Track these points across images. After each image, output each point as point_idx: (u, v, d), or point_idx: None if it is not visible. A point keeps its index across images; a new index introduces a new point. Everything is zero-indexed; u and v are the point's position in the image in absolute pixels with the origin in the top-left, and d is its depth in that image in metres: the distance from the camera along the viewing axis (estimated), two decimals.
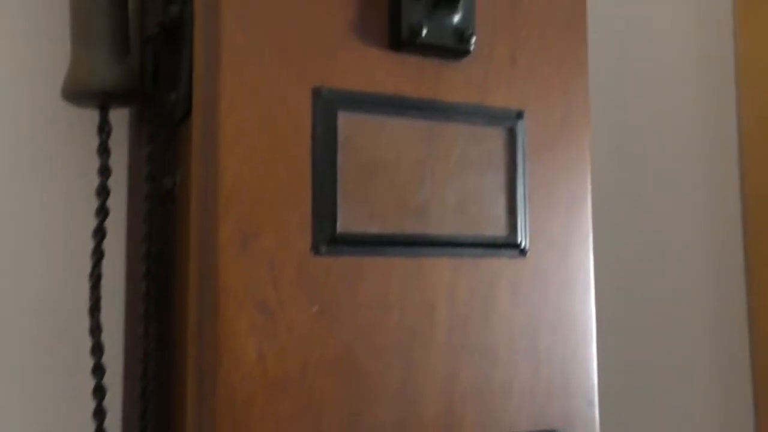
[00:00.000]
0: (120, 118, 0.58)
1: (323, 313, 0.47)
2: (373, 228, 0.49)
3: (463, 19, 0.53)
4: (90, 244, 0.52)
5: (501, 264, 0.54)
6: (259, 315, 0.46)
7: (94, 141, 0.54)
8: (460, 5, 0.53)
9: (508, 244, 0.54)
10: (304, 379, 0.46)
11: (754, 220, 0.93)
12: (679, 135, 0.91)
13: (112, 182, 0.53)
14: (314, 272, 0.47)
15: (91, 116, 0.56)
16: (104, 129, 0.53)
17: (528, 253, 0.55)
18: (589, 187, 0.59)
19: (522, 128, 0.56)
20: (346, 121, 0.50)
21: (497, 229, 0.54)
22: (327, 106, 0.49)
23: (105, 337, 0.51)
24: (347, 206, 0.49)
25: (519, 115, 0.56)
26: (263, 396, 0.45)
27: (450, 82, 0.54)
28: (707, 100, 0.94)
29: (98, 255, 0.51)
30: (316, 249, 0.48)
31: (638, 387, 0.85)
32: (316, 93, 0.49)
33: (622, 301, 0.85)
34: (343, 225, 0.48)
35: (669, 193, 0.90)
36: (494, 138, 0.55)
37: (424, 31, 0.51)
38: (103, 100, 0.53)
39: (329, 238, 0.48)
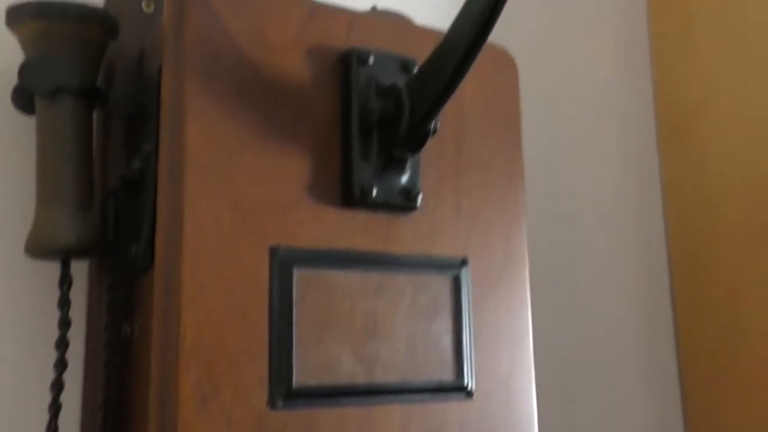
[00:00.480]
0: (79, 267, 0.60)
1: None
2: (327, 380, 0.52)
3: (410, 179, 0.57)
4: (48, 397, 0.53)
5: (449, 407, 0.56)
6: None
7: (52, 293, 0.56)
8: (408, 165, 0.57)
9: (456, 388, 0.57)
10: None
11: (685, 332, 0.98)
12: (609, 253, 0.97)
13: (71, 334, 0.55)
14: (271, 427, 0.49)
15: (49, 268, 0.58)
16: (65, 281, 0.55)
17: (474, 395, 0.58)
18: (530, 321, 0.63)
19: (466, 274, 0.60)
20: (301, 277, 0.53)
21: (445, 373, 0.57)
22: (283, 263, 0.52)
23: None
24: (303, 360, 0.51)
25: (463, 262, 0.60)
26: None
27: (398, 235, 0.57)
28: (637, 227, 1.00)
29: (55, 408, 0.52)
30: (272, 404, 0.50)
31: None
32: (273, 252, 0.52)
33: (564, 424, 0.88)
34: (298, 379, 0.51)
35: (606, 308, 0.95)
36: (440, 285, 0.59)
37: (374, 191, 0.55)
38: (65, 255, 0.55)
39: (285, 393, 0.50)
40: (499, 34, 0.68)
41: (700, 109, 0.98)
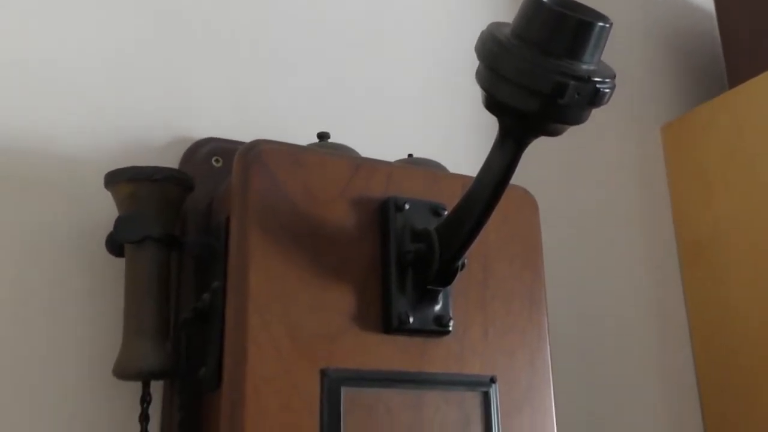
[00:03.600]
0: (154, 386, 0.69)
1: None
2: None
3: (442, 308, 0.66)
4: None
5: None
6: None
7: (134, 407, 0.66)
8: (440, 296, 0.66)
9: None
10: None
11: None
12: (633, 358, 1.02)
13: None
14: None
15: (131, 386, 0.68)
16: (145, 400, 0.64)
17: None
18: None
19: (495, 391, 0.67)
20: (347, 396, 0.60)
21: None
22: (332, 384, 0.60)
23: None
24: None
25: (492, 380, 0.67)
26: None
27: (433, 356, 0.65)
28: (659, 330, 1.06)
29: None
30: None
31: None
32: (324, 373, 0.60)
33: None
34: None
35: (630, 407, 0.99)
36: (471, 401, 0.66)
37: (411, 320, 0.64)
38: (146, 378, 0.65)
39: None
40: (522, 174, 0.78)
41: (716, 237, 1.06)
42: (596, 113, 1.11)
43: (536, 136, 0.55)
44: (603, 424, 0.97)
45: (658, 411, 1.01)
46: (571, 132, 1.09)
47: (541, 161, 1.03)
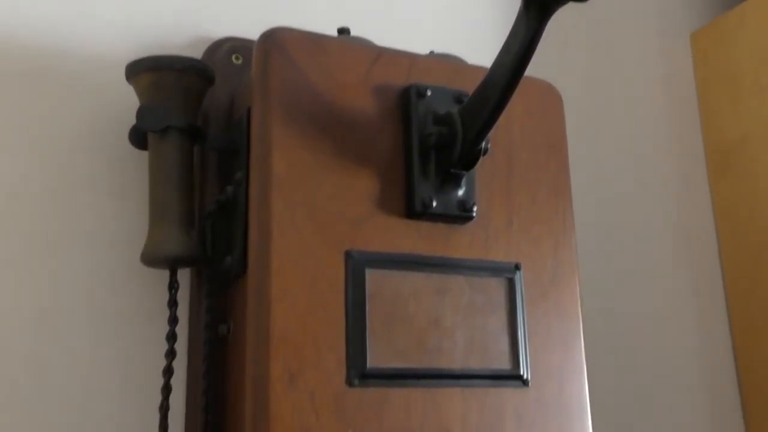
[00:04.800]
0: (182, 275, 0.70)
1: None
2: (397, 364, 0.60)
3: (465, 193, 0.65)
4: (160, 381, 0.62)
5: (506, 394, 0.63)
6: None
7: (162, 293, 0.67)
8: (463, 181, 0.65)
9: (512, 376, 0.64)
10: None
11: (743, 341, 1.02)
12: (659, 265, 1.02)
13: (177, 329, 0.65)
14: (348, 401, 0.57)
15: (160, 275, 0.69)
16: (173, 286, 0.65)
17: (530, 384, 0.64)
18: (581, 328, 0.69)
19: (520, 278, 0.67)
20: (372, 277, 0.61)
21: (502, 363, 0.64)
22: (357, 265, 0.61)
23: None
24: (375, 347, 0.59)
25: (517, 266, 0.67)
26: None
27: (457, 242, 0.65)
28: (687, 240, 1.05)
29: (167, 390, 0.62)
30: (349, 382, 0.58)
31: None
32: (348, 255, 0.61)
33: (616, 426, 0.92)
34: (372, 362, 0.59)
35: (658, 317, 0.99)
36: (496, 287, 0.66)
37: (434, 204, 0.63)
38: (173, 264, 0.65)
39: (360, 374, 0.58)
40: (551, 73, 0.77)
41: (746, 145, 1.04)
42: (625, 21, 1.10)
43: (562, 1, 0.54)
44: (623, 318, 0.97)
45: (681, 309, 1.01)
46: (600, 38, 1.09)
47: (568, 64, 1.01)
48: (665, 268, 1.02)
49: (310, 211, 0.60)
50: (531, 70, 0.73)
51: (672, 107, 1.10)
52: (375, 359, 0.59)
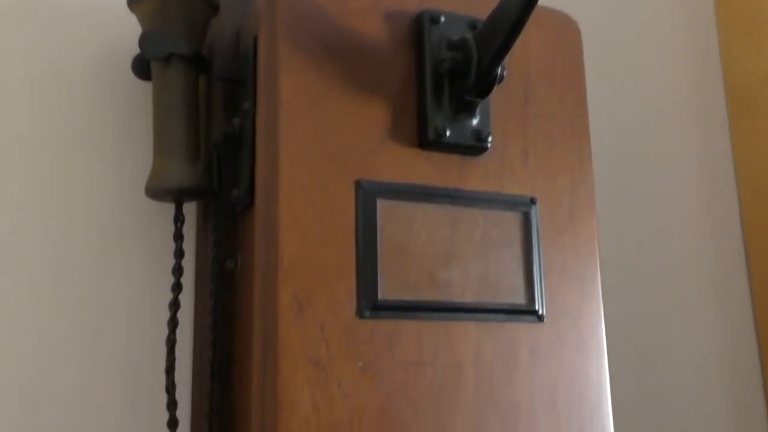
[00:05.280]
0: (188, 211, 0.68)
1: (367, 369, 0.55)
2: (408, 296, 0.58)
3: (480, 122, 0.63)
4: (166, 315, 0.61)
5: (521, 329, 0.61)
6: (313, 369, 0.53)
7: (167, 228, 0.65)
8: (478, 110, 0.63)
9: (527, 311, 0.62)
10: (351, 428, 0.54)
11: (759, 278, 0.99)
12: (680, 209, 1.00)
13: (184, 263, 0.63)
14: (359, 333, 0.55)
15: (166, 208, 0.67)
16: (179, 219, 0.64)
17: (545, 321, 0.62)
18: (598, 266, 0.67)
19: (535, 213, 0.65)
20: (383, 207, 0.59)
21: (516, 298, 0.62)
22: (367, 195, 0.58)
23: (178, 395, 0.59)
24: (386, 278, 0.57)
25: (532, 200, 0.65)
26: None
27: (470, 174, 0.63)
28: (706, 175, 1.02)
29: (173, 324, 0.60)
30: (360, 313, 0.56)
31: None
32: (358, 184, 0.59)
33: (633, 362, 0.90)
34: (383, 293, 0.57)
35: (674, 260, 0.97)
36: (511, 221, 0.64)
37: (448, 133, 0.61)
38: (178, 196, 0.63)
39: (371, 305, 0.56)
40: (570, 8, 0.74)
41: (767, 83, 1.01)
42: None
43: None
44: (642, 254, 0.95)
45: (698, 250, 0.99)
46: None
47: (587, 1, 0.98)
48: (683, 210, 0.99)
49: (319, 139, 0.58)
50: (550, 2, 0.71)
51: (692, 47, 1.07)
52: (386, 291, 0.57)
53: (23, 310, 0.63)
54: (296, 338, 0.53)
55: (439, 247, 0.60)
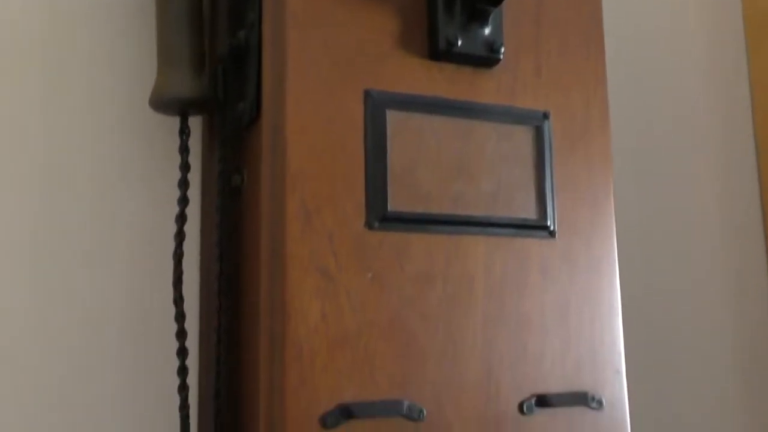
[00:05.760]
0: (194, 127, 0.67)
1: (376, 281, 0.54)
2: (418, 208, 0.57)
3: (492, 32, 0.61)
4: (173, 229, 0.60)
5: (532, 244, 0.60)
6: (321, 280, 0.53)
7: (172, 143, 0.63)
8: (490, 20, 0.61)
9: (539, 226, 0.61)
10: (360, 338, 0.53)
11: None
12: (695, 134, 0.98)
13: (189, 177, 0.62)
14: (368, 245, 0.55)
15: (171, 124, 0.65)
16: (184, 132, 0.62)
17: (556, 236, 0.61)
18: (612, 184, 0.66)
19: (548, 128, 0.63)
20: (393, 118, 0.57)
21: (528, 213, 0.61)
22: (376, 105, 0.57)
23: (186, 308, 0.59)
24: (396, 190, 0.56)
25: (545, 115, 0.63)
26: (326, 350, 0.52)
27: (482, 86, 0.61)
28: (721, 100, 1.00)
29: (180, 237, 0.59)
30: (369, 225, 0.55)
31: (662, 358, 0.90)
32: (367, 94, 0.57)
33: (644, 282, 0.90)
34: (392, 205, 0.56)
35: (687, 188, 0.96)
36: (523, 135, 0.62)
37: (459, 43, 0.59)
38: (182, 108, 0.62)
39: (381, 216, 0.55)
40: None
41: None
42: None
43: None
44: (653, 187, 0.94)
45: (711, 181, 0.98)
46: None
47: None
48: (698, 141, 0.97)
49: (327, 48, 0.57)
50: None
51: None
52: (395, 203, 0.56)
53: (27, 222, 0.62)
54: (304, 248, 0.53)
55: (450, 161, 0.59)
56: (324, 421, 0.51)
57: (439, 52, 0.59)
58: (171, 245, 0.60)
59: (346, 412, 0.52)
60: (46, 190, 0.63)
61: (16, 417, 0.59)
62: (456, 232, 0.58)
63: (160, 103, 0.61)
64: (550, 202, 0.62)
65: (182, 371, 0.57)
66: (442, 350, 0.56)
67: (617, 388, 0.62)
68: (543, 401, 0.58)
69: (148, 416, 0.63)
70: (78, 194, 0.64)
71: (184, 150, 0.61)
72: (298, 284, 0.52)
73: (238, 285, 0.61)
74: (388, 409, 0.53)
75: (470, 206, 0.59)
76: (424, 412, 0.54)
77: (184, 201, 0.60)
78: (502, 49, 0.61)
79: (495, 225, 0.59)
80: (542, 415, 0.58)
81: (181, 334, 0.57)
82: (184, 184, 0.60)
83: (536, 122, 0.63)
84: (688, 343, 0.92)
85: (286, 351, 0.51)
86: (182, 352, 0.57)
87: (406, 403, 0.53)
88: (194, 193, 0.65)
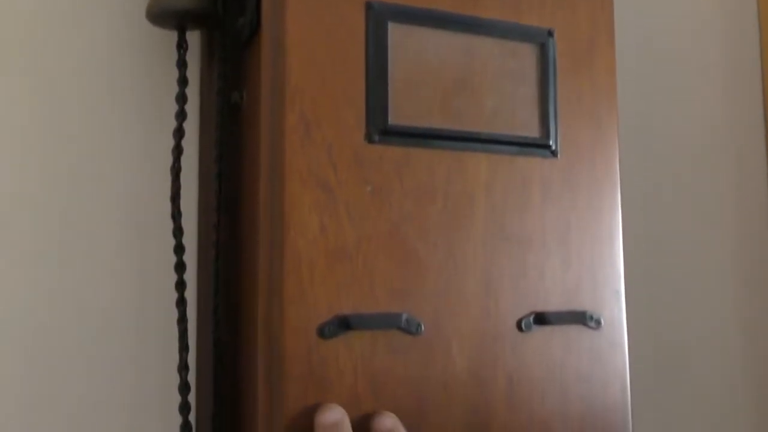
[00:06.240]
0: (192, 42, 0.65)
1: (376, 195, 0.54)
2: (420, 123, 0.56)
3: None
4: (171, 142, 0.59)
5: (534, 163, 0.60)
6: (321, 193, 0.52)
7: (170, 60, 0.62)
8: None
9: (541, 145, 0.60)
10: (359, 251, 0.53)
11: None
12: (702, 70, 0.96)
13: (188, 93, 0.61)
14: (368, 158, 0.54)
15: (169, 40, 0.64)
16: (182, 45, 0.61)
17: (558, 156, 0.61)
18: (616, 104, 0.65)
19: (553, 45, 0.62)
20: (395, 30, 0.56)
21: (530, 131, 0.60)
22: (378, 17, 0.56)
23: (183, 223, 0.58)
24: (397, 104, 0.55)
25: (550, 33, 0.62)
26: (324, 262, 0.52)
27: (486, 2, 0.60)
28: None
29: (178, 151, 0.59)
30: (369, 138, 0.54)
31: (663, 281, 0.90)
32: (369, 6, 0.56)
33: (645, 207, 0.90)
34: (393, 119, 0.55)
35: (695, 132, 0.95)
36: (527, 53, 0.61)
37: None
38: (181, 20, 0.61)
39: (381, 129, 0.54)
40: None
41: None
42: None
43: None
44: (661, 123, 0.93)
45: (719, 128, 0.96)
46: None
47: None
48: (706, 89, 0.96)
49: None
50: None
51: None
52: (396, 116, 0.55)
53: (28, 137, 0.61)
54: (303, 160, 0.52)
55: (453, 76, 0.58)
56: (322, 331, 0.51)
57: None
58: (169, 160, 0.59)
59: (344, 323, 0.52)
60: (37, 103, 0.62)
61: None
62: (457, 148, 0.57)
63: (157, 14, 0.60)
64: (553, 122, 0.61)
65: (180, 285, 0.57)
66: (442, 266, 0.55)
67: (616, 309, 0.62)
68: (541, 319, 0.58)
69: (144, 328, 0.63)
70: (70, 108, 0.63)
71: (181, 64, 0.60)
72: (297, 196, 0.52)
73: (237, 203, 0.60)
74: (386, 321, 0.53)
75: (472, 123, 0.58)
76: (422, 326, 0.54)
77: (181, 115, 0.59)
78: None
79: (497, 142, 0.58)
80: (540, 332, 0.58)
81: (179, 249, 0.57)
82: (182, 98, 0.59)
83: (541, 39, 0.61)
84: (689, 268, 0.92)
85: (285, 262, 0.51)
86: (180, 267, 0.56)
87: (404, 316, 0.54)
88: (193, 112, 0.64)
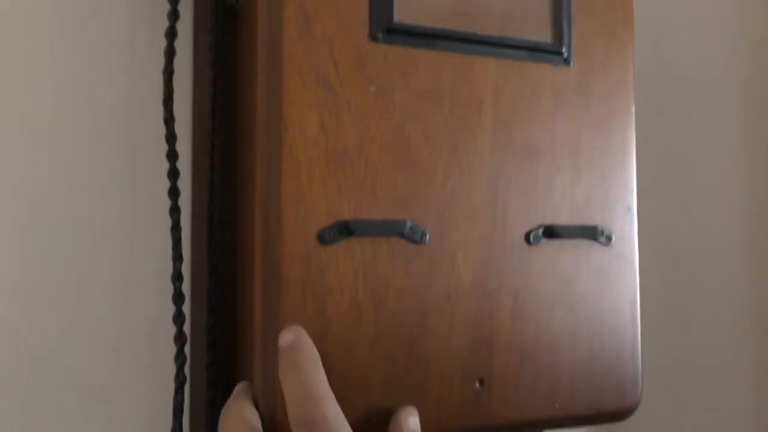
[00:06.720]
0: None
1: (379, 95, 0.51)
2: (426, 22, 0.53)
3: None
4: (163, 43, 0.56)
5: (545, 70, 0.57)
6: (321, 90, 0.49)
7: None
8: None
9: (553, 51, 0.57)
10: (362, 153, 0.50)
11: None
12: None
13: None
14: (372, 57, 0.51)
15: None
16: None
17: (571, 64, 0.58)
18: (632, 14, 0.62)
19: None
20: None
21: (542, 36, 0.57)
22: None
23: (176, 128, 0.55)
24: (402, 1, 0.52)
25: None
26: (324, 162, 0.49)
27: None
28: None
29: (171, 53, 0.56)
30: (373, 37, 0.51)
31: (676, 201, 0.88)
32: None
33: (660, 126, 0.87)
34: (398, 17, 0.52)
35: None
36: None
37: None
38: None
39: (386, 28, 0.51)
40: None
41: None
42: None
43: None
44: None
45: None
46: None
47: None
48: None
49: None
50: None
51: None
52: (402, 14, 0.52)
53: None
54: (302, 54, 0.49)
55: None
56: (321, 237, 0.49)
57: None
58: (161, 61, 0.56)
59: (345, 229, 0.49)
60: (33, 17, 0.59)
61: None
62: (465, 50, 0.54)
63: None
64: (566, 27, 0.58)
65: (173, 193, 0.54)
66: (447, 173, 0.53)
67: (627, 226, 0.59)
68: (551, 232, 0.56)
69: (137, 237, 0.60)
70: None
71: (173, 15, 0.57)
72: (295, 92, 0.49)
73: (233, 108, 0.57)
74: (389, 228, 0.51)
75: (481, 25, 0.55)
76: (427, 235, 0.52)
77: (174, 15, 0.56)
78: None
79: (507, 46, 0.55)
80: (549, 246, 0.56)
81: (172, 155, 0.54)
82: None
83: None
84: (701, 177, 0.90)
85: (283, 162, 0.48)
86: (173, 174, 0.54)
87: (408, 224, 0.51)
88: (186, 16, 0.61)
